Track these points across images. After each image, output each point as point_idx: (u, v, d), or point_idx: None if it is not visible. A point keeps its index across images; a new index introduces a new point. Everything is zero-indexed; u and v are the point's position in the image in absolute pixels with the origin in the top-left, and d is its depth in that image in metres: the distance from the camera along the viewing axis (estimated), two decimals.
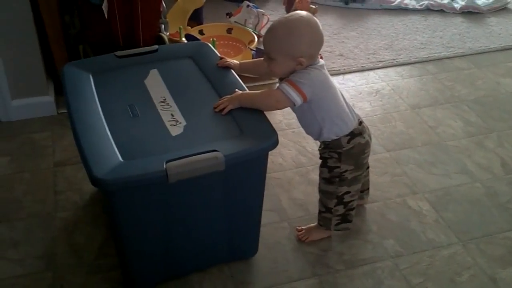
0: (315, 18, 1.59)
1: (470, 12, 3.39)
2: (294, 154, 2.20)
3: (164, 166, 1.34)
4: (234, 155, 1.41)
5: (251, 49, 2.70)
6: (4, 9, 2.13)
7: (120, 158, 1.38)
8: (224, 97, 1.59)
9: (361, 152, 1.69)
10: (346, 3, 3.42)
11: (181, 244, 1.61)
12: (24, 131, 2.31)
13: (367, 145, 1.71)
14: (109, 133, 1.47)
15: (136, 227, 1.50)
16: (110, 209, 1.51)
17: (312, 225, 1.85)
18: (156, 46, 1.87)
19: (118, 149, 1.41)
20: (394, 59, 2.89)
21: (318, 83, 1.57)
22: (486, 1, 3.46)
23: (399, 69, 2.83)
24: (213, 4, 3.09)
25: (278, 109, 1.69)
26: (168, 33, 2.61)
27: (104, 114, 1.55)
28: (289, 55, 1.55)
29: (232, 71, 1.75)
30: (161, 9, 2.53)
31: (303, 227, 1.85)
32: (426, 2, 3.46)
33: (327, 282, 1.70)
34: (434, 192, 2.05)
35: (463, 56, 2.95)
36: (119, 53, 1.83)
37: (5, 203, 1.95)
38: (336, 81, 2.13)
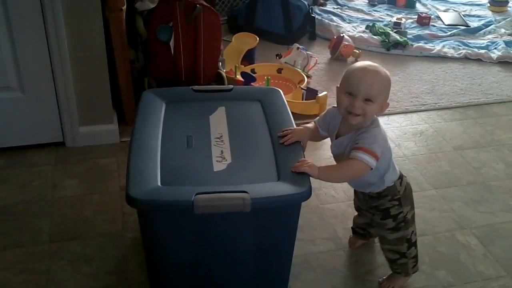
0: None
1: (506, 62, 3.54)
2: (346, 188, 2.32)
3: (193, 198, 1.42)
4: (261, 199, 1.45)
5: (302, 88, 2.85)
6: (80, 42, 2.30)
7: (159, 183, 1.49)
8: (307, 160, 1.59)
9: (410, 190, 1.77)
10: (388, 49, 3.59)
11: (209, 275, 1.66)
12: (90, 156, 2.45)
13: (409, 183, 1.78)
14: (159, 158, 1.58)
15: (165, 250, 1.59)
16: (142, 229, 1.63)
17: (390, 274, 1.87)
18: (231, 86, 2.00)
19: (161, 174, 1.52)
20: (436, 103, 3.02)
21: (382, 143, 1.62)
22: None
23: (441, 112, 2.97)
24: (264, 46, 3.27)
25: (356, 178, 1.69)
26: (225, 70, 2.78)
27: (162, 141, 1.67)
28: (385, 99, 1.61)
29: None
30: (221, 48, 2.70)
31: (383, 277, 1.88)
32: (464, 51, 3.61)
33: None
34: (481, 228, 2.15)
35: (501, 102, 3.09)
36: (196, 87, 1.96)
37: (77, 222, 2.08)
38: (381, 121, 2.27)
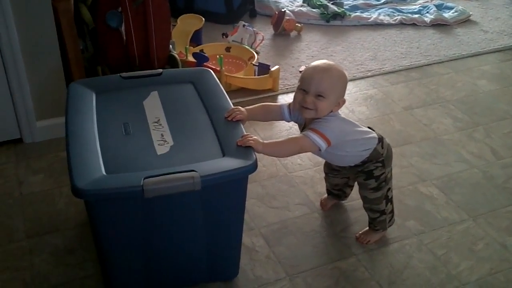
0: None
1: (439, 25, 3.73)
2: (310, 155, 2.40)
3: (142, 182, 1.40)
4: (210, 176, 1.45)
5: (254, 64, 2.91)
6: (31, 34, 2.25)
7: (103, 172, 1.45)
8: (250, 135, 1.61)
9: (391, 150, 1.87)
10: (328, 21, 3.69)
11: (160, 260, 1.66)
12: (51, 151, 2.42)
13: (389, 144, 1.88)
14: (98, 148, 1.55)
15: (115, 239, 1.56)
16: (91, 219, 1.59)
17: (366, 229, 1.97)
18: (160, 70, 1.95)
19: (103, 163, 1.49)
20: (380, 68, 3.16)
21: (336, 129, 1.69)
22: (452, 14, 3.80)
23: (386, 76, 3.10)
24: (207, 27, 3.29)
25: (298, 153, 1.78)
26: (176, 52, 2.79)
27: (98, 130, 1.63)
28: (339, 95, 1.69)
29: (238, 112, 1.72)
30: (171, 30, 2.71)
31: (360, 232, 1.98)
32: (399, 17, 3.77)
33: (364, 259, 1.90)
34: (439, 178, 2.29)
35: (440, 62, 3.26)
36: (124, 74, 1.92)
37: (52, 216, 2.06)
38: None
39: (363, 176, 1.85)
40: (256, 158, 1.53)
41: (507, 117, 2.73)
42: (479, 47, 3.43)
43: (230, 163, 1.51)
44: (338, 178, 2.02)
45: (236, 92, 2.81)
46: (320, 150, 1.68)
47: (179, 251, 1.67)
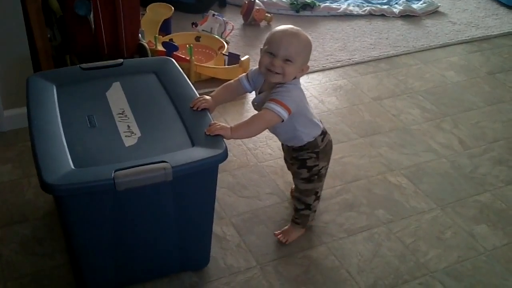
0: None
1: (408, 16, 3.77)
2: (279, 145, 2.41)
3: (112, 175, 1.39)
4: (182, 167, 1.45)
5: (224, 54, 2.90)
6: None
7: (72, 166, 1.43)
8: (217, 122, 1.61)
9: (330, 147, 1.88)
10: (297, 11, 3.69)
11: (132, 252, 1.65)
12: (19, 140, 2.38)
13: (331, 141, 1.89)
14: (64, 142, 1.52)
15: (86, 233, 1.54)
16: (61, 214, 1.55)
17: (286, 227, 1.96)
18: (121, 60, 1.92)
19: (71, 157, 1.46)
20: (349, 59, 3.18)
21: (297, 98, 1.69)
22: (421, 5, 3.85)
23: (355, 67, 3.12)
24: (176, 16, 3.26)
25: (266, 128, 1.75)
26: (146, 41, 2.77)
27: (62, 124, 1.59)
28: (304, 61, 1.69)
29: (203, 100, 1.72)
30: (140, 19, 2.69)
31: (279, 231, 1.96)
32: (368, 8, 3.80)
33: (334, 248, 1.92)
34: (408, 168, 2.33)
35: (409, 53, 3.29)
36: (84, 65, 1.88)
37: (20, 206, 2.04)
38: (303, 80, 2.38)
39: (296, 164, 1.85)
40: (226, 147, 1.53)
41: (474, 108, 2.78)
42: (447, 38, 3.48)
43: (201, 153, 1.50)
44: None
45: (206, 82, 2.80)
46: (282, 121, 1.66)
47: (150, 242, 1.66)
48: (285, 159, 2.02)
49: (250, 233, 1.96)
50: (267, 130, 1.78)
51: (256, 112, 1.75)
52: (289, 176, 2.20)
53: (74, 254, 1.61)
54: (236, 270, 1.83)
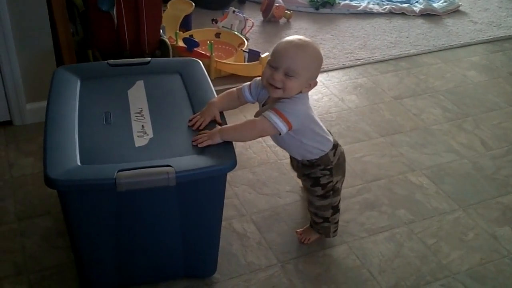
0: None
1: (428, 14, 3.74)
2: None
3: (115, 175, 1.36)
4: (186, 172, 1.41)
5: (244, 51, 2.90)
6: (23, 16, 2.23)
7: (78, 162, 1.42)
8: (204, 131, 1.55)
9: (343, 160, 1.78)
10: (317, 8, 3.68)
11: (134, 253, 1.63)
12: (41, 133, 2.37)
13: (344, 152, 1.79)
14: (76, 137, 1.51)
15: (87, 231, 1.53)
16: (63, 209, 1.53)
17: (307, 226, 1.91)
18: (148, 59, 1.90)
19: (79, 153, 1.46)
20: (370, 57, 3.16)
21: (302, 113, 1.58)
22: (441, 4, 3.82)
23: (376, 65, 3.11)
24: (196, 12, 3.27)
25: (260, 137, 1.69)
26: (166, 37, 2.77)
27: (78, 118, 1.59)
28: (312, 76, 1.57)
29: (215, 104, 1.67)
30: (161, 15, 2.69)
31: (301, 229, 1.93)
32: (388, 6, 3.78)
33: (355, 247, 1.92)
34: (429, 168, 2.31)
35: (429, 52, 3.27)
36: (111, 61, 1.87)
37: (43, 199, 2.05)
38: (322, 78, 2.34)
39: (309, 182, 1.77)
40: (235, 157, 1.49)
41: (496, 108, 2.76)
42: (468, 38, 3.46)
43: (208, 160, 1.47)
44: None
45: (226, 78, 2.80)
46: (280, 134, 1.56)
47: (153, 246, 1.63)
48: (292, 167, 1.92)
49: (270, 230, 1.96)
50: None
51: None
52: None
53: (75, 251, 1.61)
54: (257, 267, 1.83)
